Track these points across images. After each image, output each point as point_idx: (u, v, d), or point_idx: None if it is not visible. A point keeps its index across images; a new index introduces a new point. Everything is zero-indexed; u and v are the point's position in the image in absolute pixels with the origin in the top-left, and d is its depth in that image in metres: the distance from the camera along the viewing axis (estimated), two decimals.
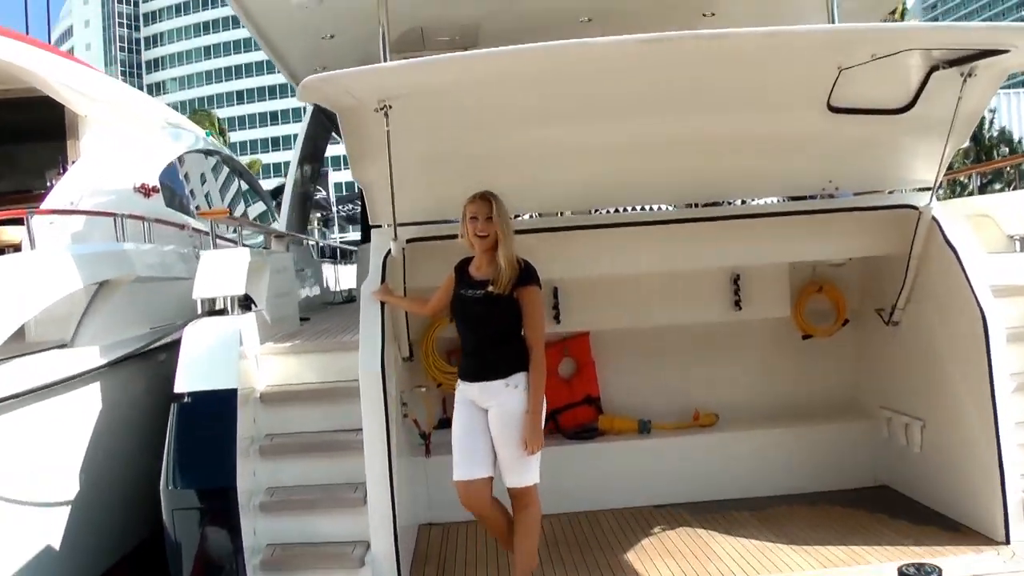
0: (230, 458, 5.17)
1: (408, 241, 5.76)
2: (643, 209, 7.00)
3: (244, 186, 13.39)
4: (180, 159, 10.58)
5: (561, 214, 6.70)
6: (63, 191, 8.83)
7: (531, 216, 6.80)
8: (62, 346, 6.26)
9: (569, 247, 6.22)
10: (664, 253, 6.31)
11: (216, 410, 5.35)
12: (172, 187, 10.08)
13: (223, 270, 6.06)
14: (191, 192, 10.91)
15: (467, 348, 5.01)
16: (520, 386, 4.76)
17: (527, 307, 4.81)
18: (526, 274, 4.82)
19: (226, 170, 12.71)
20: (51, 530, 5.64)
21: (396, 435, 5.51)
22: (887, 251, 6.35)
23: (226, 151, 13.32)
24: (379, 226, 5.87)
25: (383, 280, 5.64)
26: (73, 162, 8.67)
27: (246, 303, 6.36)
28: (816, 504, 6.47)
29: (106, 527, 6.14)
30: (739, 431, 6.96)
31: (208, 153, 11.96)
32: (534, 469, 4.82)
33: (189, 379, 5.44)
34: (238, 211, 12.65)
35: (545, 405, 4.88)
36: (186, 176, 10.82)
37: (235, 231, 9.03)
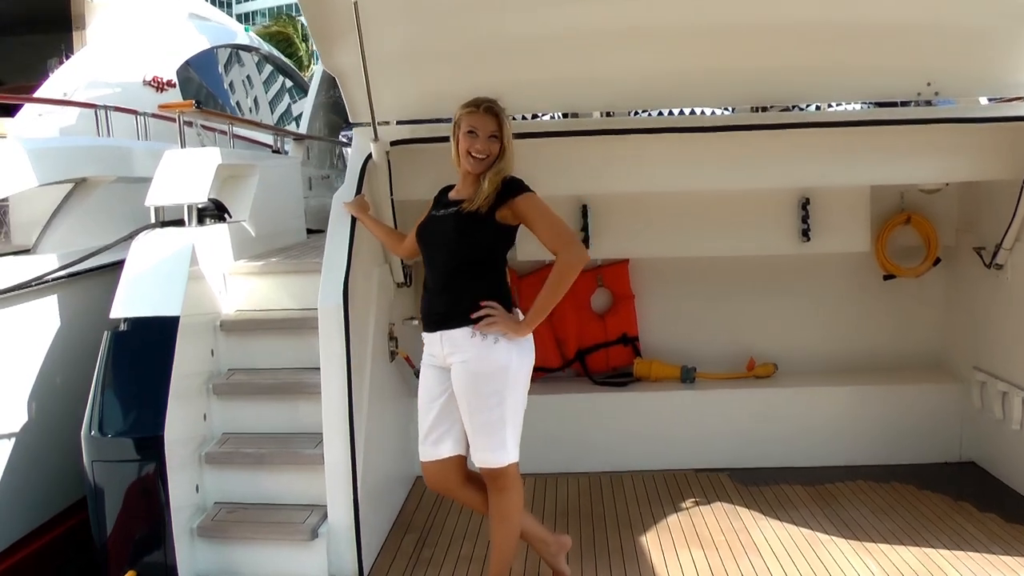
0: (160, 401, 4.26)
1: (393, 144, 4.81)
2: (694, 113, 5.94)
3: (289, 84, 12.45)
4: (206, 53, 9.85)
5: (593, 115, 5.57)
6: (58, 81, 8.19)
7: (553, 116, 5.68)
8: (24, 252, 5.46)
9: (602, 156, 5.24)
10: (719, 168, 5.27)
11: (152, 341, 4.45)
12: (193, 82, 9.30)
13: (184, 174, 5.12)
14: (219, 89, 10.10)
15: (428, 284, 3.96)
16: (498, 340, 3.70)
17: (530, 217, 3.74)
18: (508, 188, 3.75)
19: (269, 69, 11.91)
20: None
21: (369, 379, 4.62)
22: (995, 176, 5.20)
23: (267, 48, 12.37)
24: (358, 124, 4.85)
25: (359, 191, 4.63)
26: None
27: (217, 213, 5.43)
28: (886, 481, 5.47)
29: (56, 467, 5.33)
30: (799, 386, 5.96)
31: (244, 49, 11.08)
32: (510, 444, 3.78)
33: (126, 302, 4.57)
34: (278, 112, 11.82)
35: (532, 349, 3.89)
36: (213, 72, 10.00)
37: (277, 138, 8.24)
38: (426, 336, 3.89)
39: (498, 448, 3.72)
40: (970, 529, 4.69)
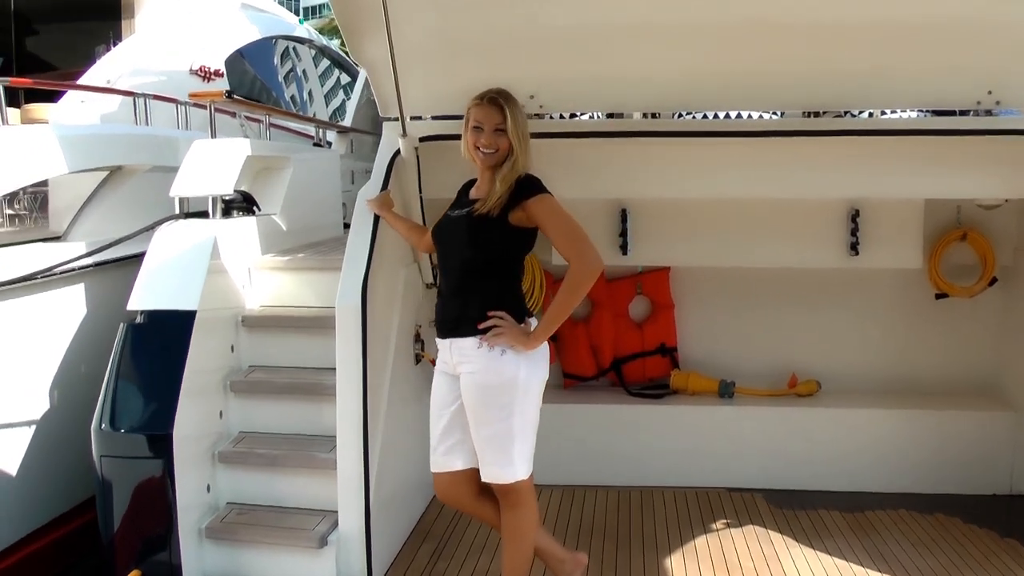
0: (172, 397, 4.15)
1: (422, 140, 4.63)
2: (740, 116, 5.63)
3: (346, 80, 12.39)
4: (259, 44, 9.81)
5: (635, 116, 5.36)
6: (103, 68, 8.19)
7: (592, 116, 5.48)
8: (55, 238, 5.43)
9: (644, 159, 5.04)
10: (765, 175, 5.04)
11: (168, 335, 4.35)
12: (244, 73, 9.24)
13: (211, 165, 5.02)
14: (272, 81, 10.06)
15: (441, 287, 3.79)
16: (505, 351, 3.49)
17: (543, 220, 3.51)
18: (521, 188, 3.53)
19: (325, 63, 11.88)
20: (8, 458, 4.78)
21: (389, 382, 4.48)
22: None
23: (323, 41, 12.30)
24: (388, 119, 4.69)
25: (385, 187, 4.47)
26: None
27: (245, 205, 5.33)
28: (930, 513, 5.17)
29: (77, 458, 5.26)
30: (842, 406, 5.68)
31: (299, 41, 11.01)
32: (518, 460, 3.56)
33: (144, 294, 4.46)
34: (332, 106, 11.75)
35: (547, 356, 3.66)
36: (266, 63, 9.96)
37: (319, 130, 8.16)
38: (438, 342, 3.72)
39: (506, 464, 3.53)
40: (1018, 572, 4.40)
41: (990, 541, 4.79)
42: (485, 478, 3.61)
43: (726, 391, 5.85)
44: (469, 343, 3.51)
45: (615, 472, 5.60)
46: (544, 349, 3.59)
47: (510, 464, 3.52)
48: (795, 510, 5.19)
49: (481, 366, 3.48)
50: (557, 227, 3.51)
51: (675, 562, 4.56)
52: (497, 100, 3.54)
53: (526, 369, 3.50)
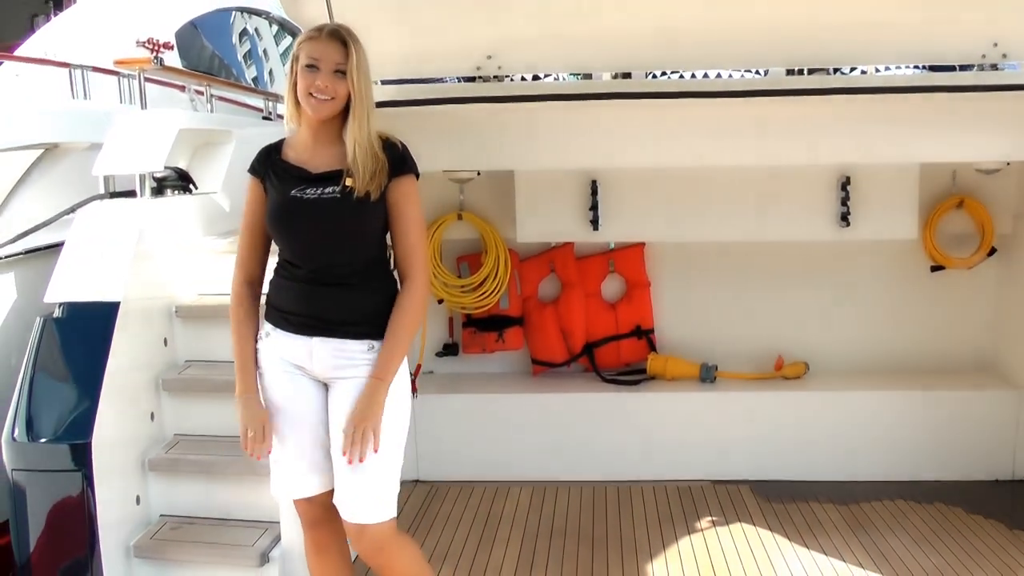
0: (91, 400, 3.73)
1: None
2: (720, 76, 5.40)
3: None
4: (216, 16, 9.38)
5: (604, 77, 5.03)
6: (40, 40, 7.73)
7: (556, 78, 5.11)
8: None
9: (615, 125, 4.73)
10: (748, 140, 4.74)
11: (89, 330, 3.92)
12: (199, 47, 8.79)
13: (138, 139, 4.58)
14: (228, 56, 9.60)
15: (297, 274, 3.08)
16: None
17: (404, 207, 3.02)
18: (403, 158, 3.04)
19: (288, 39, 11.40)
20: None
21: None
22: None
23: (281, 13, 11.83)
24: None
25: None
26: None
27: (180, 184, 4.90)
28: (930, 503, 4.87)
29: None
30: (833, 389, 5.40)
31: (257, 13, 10.55)
32: (391, 493, 3.07)
33: (62, 285, 4.05)
34: None
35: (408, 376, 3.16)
36: (221, 36, 9.50)
37: (268, 102, 7.72)
38: (284, 336, 3.16)
39: (376, 502, 3.07)
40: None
41: (996, 533, 4.48)
42: (350, 517, 3.06)
43: (707, 375, 5.56)
44: (356, 348, 3.01)
45: (588, 466, 5.31)
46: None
47: (384, 500, 3.05)
48: (785, 503, 4.89)
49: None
50: (414, 221, 3.04)
51: (656, 565, 4.25)
52: (339, 33, 2.96)
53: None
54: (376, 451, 2.92)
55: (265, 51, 10.62)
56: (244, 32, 10.06)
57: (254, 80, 9.98)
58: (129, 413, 3.96)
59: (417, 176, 3.07)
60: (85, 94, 6.42)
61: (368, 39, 3.83)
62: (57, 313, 3.98)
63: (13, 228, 4.90)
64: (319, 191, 2.98)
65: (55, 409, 3.83)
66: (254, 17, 10.32)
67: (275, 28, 10.90)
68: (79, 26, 8.00)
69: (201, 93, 7.00)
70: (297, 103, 2.97)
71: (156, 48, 8.20)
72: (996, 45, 4.32)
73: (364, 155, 2.92)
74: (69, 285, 4.02)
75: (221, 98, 7.13)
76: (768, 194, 5.24)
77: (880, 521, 4.64)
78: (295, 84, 2.94)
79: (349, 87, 2.92)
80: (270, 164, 3.11)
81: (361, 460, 2.90)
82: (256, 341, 3.16)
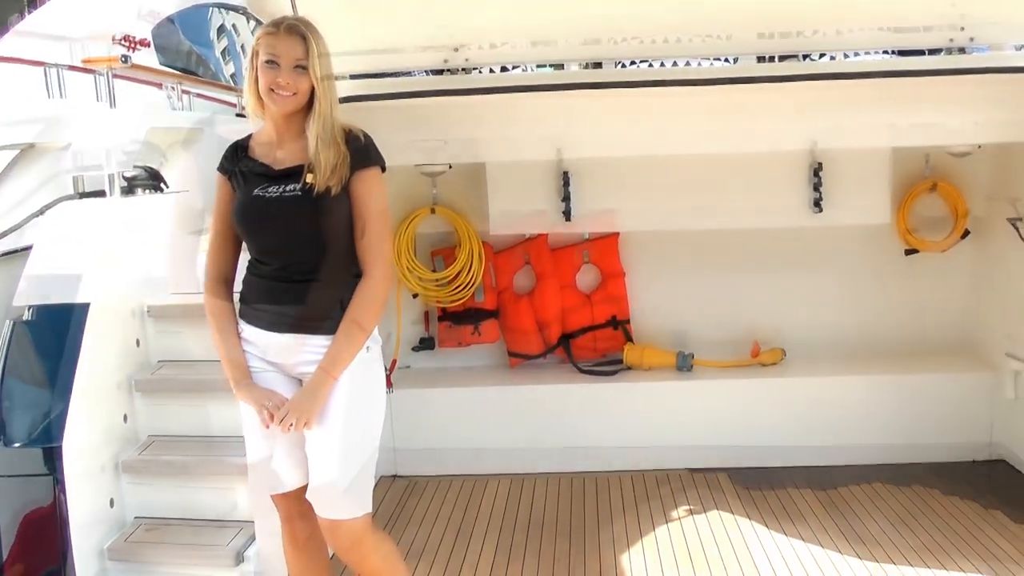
0: (62, 404, 3.69)
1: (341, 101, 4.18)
2: (689, 64, 5.33)
3: None
4: (194, 13, 9.39)
5: (573, 67, 5.00)
6: (15, 38, 7.61)
7: (525, 69, 5.08)
8: None
9: (585, 115, 4.73)
10: (718, 127, 4.75)
11: (59, 333, 3.90)
12: (175, 43, 8.72)
13: (105, 135, 4.54)
14: (206, 53, 9.54)
15: (265, 271, 3.08)
16: (371, 348, 3.05)
17: (364, 200, 2.98)
18: (366, 150, 3.02)
19: None
20: None
21: None
22: None
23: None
24: None
25: None
26: None
27: (151, 183, 4.87)
28: (907, 485, 4.87)
29: None
30: (809, 375, 5.38)
31: (234, 9, 10.47)
32: (365, 489, 3.08)
33: (32, 288, 4.02)
34: None
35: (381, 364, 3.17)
36: (198, 33, 9.44)
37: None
38: (255, 331, 3.16)
39: (350, 496, 3.08)
40: (1004, 547, 4.08)
41: (972, 514, 4.50)
42: (325, 513, 3.06)
43: (684, 364, 5.52)
44: (324, 342, 2.99)
45: (565, 457, 5.28)
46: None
47: (358, 495, 3.06)
48: (763, 490, 4.88)
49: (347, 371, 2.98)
50: (376, 214, 2.99)
51: (634, 554, 4.23)
52: (298, 27, 2.94)
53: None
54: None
55: (243, 47, 10.55)
56: (222, 28, 10.00)
57: (232, 76, 9.94)
58: (101, 415, 3.93)
59: (383, 169, 3.05)
60: (61, 93, 6.36)
61: (333, 33, 3.82)
62: (27, 316, 3.95)
63: None
64: (280, 189, 2.96)
65: (26, 413, 3.82)
66: (232, 13, 10.27)
67: (252, 24, 10.84)
68: (54, 25, 7.91)
69: (187, 93, 6.99)
70: (259, 98, 2.95)
71: (133, 46, 8.17)
72: (963, 29, 4.32)
73: (326, 149, 2.91)
74: (38, 288, 3.99)
75: (200, 95, 7.09)
76: (740, 181, 5.20)
77: (857, 505, 4.64)
78: (256, 79, 2.92)
79: (311, 81, 2.90)
80: (237, 161, 3.09)
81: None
82: (238, 330, 3.13)
